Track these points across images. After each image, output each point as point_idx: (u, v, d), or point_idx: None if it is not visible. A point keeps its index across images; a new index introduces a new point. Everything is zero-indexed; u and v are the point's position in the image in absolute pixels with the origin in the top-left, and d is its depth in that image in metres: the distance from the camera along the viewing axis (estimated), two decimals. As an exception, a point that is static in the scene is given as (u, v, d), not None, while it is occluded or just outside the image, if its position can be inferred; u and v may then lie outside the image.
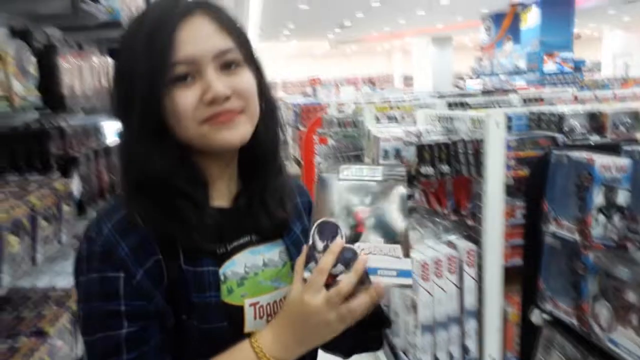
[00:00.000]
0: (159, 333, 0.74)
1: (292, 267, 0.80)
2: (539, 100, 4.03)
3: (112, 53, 2.89)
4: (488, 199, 1.91)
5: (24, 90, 1.43)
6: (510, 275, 1.96)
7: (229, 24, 0.77)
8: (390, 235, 0.72)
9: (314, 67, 22.84)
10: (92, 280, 0.73)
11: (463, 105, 3.60)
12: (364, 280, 0.70)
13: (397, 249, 0.71)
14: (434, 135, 2.21)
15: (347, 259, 0.71)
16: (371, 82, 21.04)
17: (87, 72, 1.97)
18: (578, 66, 10.76)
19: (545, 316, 1.13)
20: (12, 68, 1.39)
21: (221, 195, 0.82)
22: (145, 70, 0.72)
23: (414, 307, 1.97)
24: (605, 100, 3.63)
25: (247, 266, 0.79)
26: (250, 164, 0.83)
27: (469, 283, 1.95)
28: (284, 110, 8.25)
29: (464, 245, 1.97)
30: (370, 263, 0.71)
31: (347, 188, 0.74)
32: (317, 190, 0.76)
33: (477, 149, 1.94)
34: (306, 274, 0.71)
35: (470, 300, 1.95)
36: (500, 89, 6.40)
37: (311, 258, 0.72)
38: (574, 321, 1.04)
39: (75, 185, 1.74)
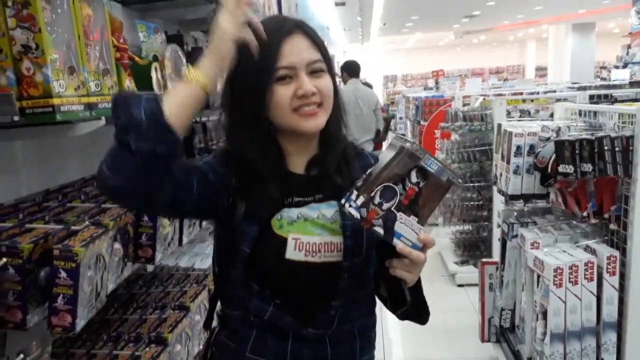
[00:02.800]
0: (197, 182, 0.97)
1: (340, 226, 1.02)
2: (702, 91, 3.53)
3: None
4: (637, 202, 1.73)
5: (176, 89, 1.58)
6: (660, 287, 1.77)
7: (318, 41, 1.03)
8: (420, 215, 0.94)
9: (437, 58, 22.20)
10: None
11: (608, 98, 3.27)
12: (389, 236, 0.93)
13: (421, 229, 0.94)
14: (575, 131, 2.05)
15: (387, 219, 0.93)
16: (498, 72, 19.94)
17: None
18: None
19: None
20: (168, 69, 1.55)
21: (299, 165, 1.06)
22: (257, 74, 0.97)
23: (543, 313, 1.85)
24: None
25: (301, 214, 1.02)
26: (323, 141, 1.07)
27: (610, 292, 1.78)
28: (403, 105, 8.13)
29: (605, 250, 1.81)
30: (398, 229, 0.93)
31: (417, 168, 0.93)
32: (397, 156, 0.93)
33: (625, 147, 1.76)
34: (355, 213, 0.93)
35: (609, 311, 1.79)
36: (653, 79, 5.68)
37: (365, 205, 0.92)
38: None
39: (215, 175, 1.88)
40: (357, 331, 1.07)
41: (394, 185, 0.92)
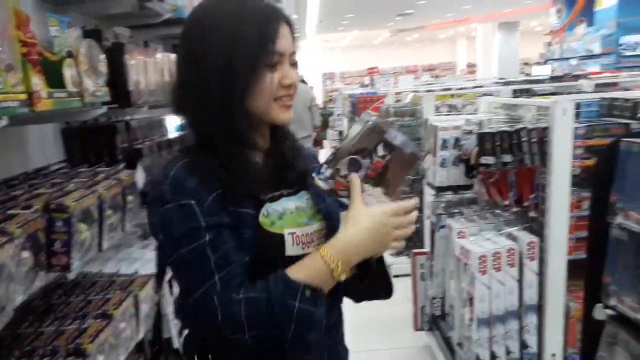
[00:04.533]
0: (233, 238, 0.91)
1: (318, 210, 1.03)
2: (612, 85, 3.79)
3: (175, 48, 2.99)
4: (553, 190, 1.83)
5: (94, 86, 1.51)
6: (573, 269, 1.87)
7: (294, 35, 1.01)
8: (388, 188, 0.96)
9: (372, 57, 22.57)
10: (168, 209, 0.90)
11: (529, 92, 3.44)
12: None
13: (387, 201, 0.95)
14: (496, 123, 2.13)
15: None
16: (431, 70, 20.56)
17: (151, 68, 2.05)
18: (659, 48, 9.95)
19: (609, 312, 1.07)
20: (84, 66, 1.47)
21: (258, 158, 1.03)
22: (252, 51, 0.92)
23: (470, 300, 1.92)
24: (688, 83, 3.36)
25: (284, 207, 1.00)
26: (275, 134, 1.05)
27: (530, 277, 1.87)
28: (340, 102, 8.23)
29: (525, 237, 1.90)
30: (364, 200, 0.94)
31: (383, 142, 0.95)
32: (364, 130, 0.95)
33: (541, 138, 1.86)
34: (322, 184, 0.95)
35: (530, 295, 1.88)
36: (570, 74, 6.05)
37: (332, 177, 0.95)
38: (641, 319, 0.98)
39: (139, 176, 1.82)
40: (339, 315, 1.08)
41: (359, 158, 0.95)
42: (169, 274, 1.93)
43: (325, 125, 6.92)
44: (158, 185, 0.93)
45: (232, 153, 0.95)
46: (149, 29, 2.44)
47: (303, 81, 7.64)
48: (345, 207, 0.96)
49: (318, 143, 5.68)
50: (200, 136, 0.99)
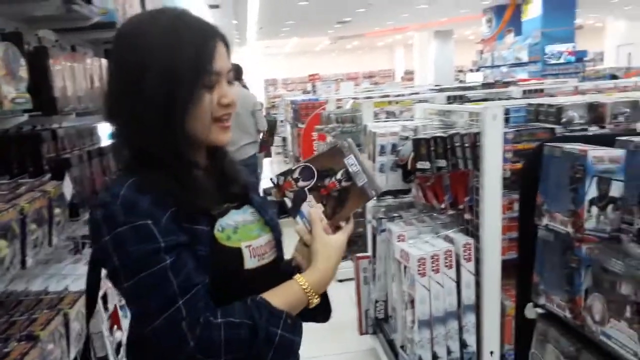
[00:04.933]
0: (192, 258, 0.89)
1: (265, 222, 1.03)
2: (539, 92, 4.00)
3: (107, 53, 2.88)
4: (485, 193, 1.89)
5: (15, 93, 1.42)
6: (508, 269, 1.95)
7: (229, 51, 0.99)
8: (334, 212, 0.98)
9: (314, 63, 22.75)
10: (122, 232, 0.85)
11: (462, 99, 3.57)
12: (293, 213, 0.99)
13: (325, 221, 0.97)
14: (431, 129, 2.19)
15: (298, 195, 0.98)
16: (371, 77, 20.96)
17: (80, 74, 1.96)
18: (580, 57, 10.66)
19: (539, 310, 1.11)
20: (1, 71, 1.38)
21: (200, 172, 1.00)
22: (190, 71, 0.89)
23: (411, 302, 1.95)
24: (606, 90, 3.59)
25: (236, 221, 0.98)
26: (214, 150, 1.04)
27: (467, 277, 1.93)
28: (283, 108, 8.23)
29: (461, 239, 1.95)
30: (304, 209, 0.98)
31: (343, 165, 0.96)
32: (328, 148, 1.05)
33: (473, 142, 1.92)
34: (272, 178, 1.00)
35: (468, 295, 1.93)
36: (501, 81, 6.34)
37: (284, 174, 0.99)
38: (568, 315, 1.02)
39: (67, 188, 1.72)
40: None
41: (313, 167, 0.97)
42: (102, 290, 1.84)
43: (272, 131, 6.87)
44: (105, 207, 0.87)
45: (181, 171, 0.93)
46: (78, 32, 2.34)
47: (244, 86, 7.58)
48: (282, 209, 1.00)
49: (264, 148, 5.63)
50: (135, 150, 0.94)
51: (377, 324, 2.57)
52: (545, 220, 1.06)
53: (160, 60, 0.89)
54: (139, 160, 0.93)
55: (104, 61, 2.33)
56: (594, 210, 0.96)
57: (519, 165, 1.98)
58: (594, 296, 0.96)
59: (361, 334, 2.71)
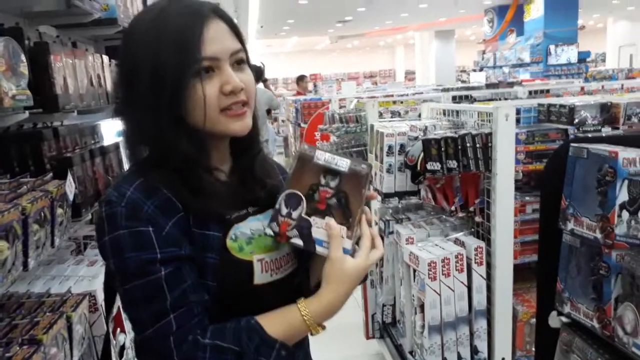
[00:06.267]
0: (192, 273, 0.83)
1: None
2: (545, 92, 3.96)
3: (108, 50, 2.84)
4: (498, 195, 1.85)
5: (15, 90, 1.38)
6: (520, 273, 1.90)
7: (236, 28, 0.90)
8: (346, 216, 0.87)
9: (315, 63, 22.73)
10: (121, 236, 0.81)
11: (468, 99, 3.52)
12: (310, 246, 0.86)
13: (344, 229, 0.86)
14: (440, 129, 2.14)
15: (302, 227, 0.86)
16: (372, 76, 20.93)
17: (81, 70, 1.92)
18: (583, 58, 10.63)
19: (563, 319, 1.07)
20: (1, 67, 1.34)
21: (222, 172, 0.94)
22: (174, 63, 0.81)
23: (421, 307, 1.91)
24: (613, 91, 3.56)
25: (252, 229, 0.91)
26: (239, 144, 0.96)
27: (478, 281, 1.88)
28: (285, 107, 8.18)
29: (472, 242, 1.91)
30: (317, 235, 0.86)
31: (320, 168, 0.87)
32: (295, 162, 0.88)
33: (485, 143, 1.88)
34: (267, 231, 0.87)
35: (479, 299, 1.89)
36: (504, 81, 6.30)
37: (274, 219, 0.87)
38: (596, 324, 0.98)
39: (69, 187, 1.68)
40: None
41: (296, 192, 0.87)
42: (104, 292, 1.80)
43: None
44: (111, 205, 0.83)
45: (189, 171, 0.86)
46: (79, 28, 2.30)
47: (267, 88, 7.58)
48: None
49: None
50: (143, 148, 0.90)
51: (384, 328, 2.52)
52: (570, 225, 1.01)
53: (146, 55, 0.84)
54: (149, 158, 0.89)
55: (105, 58, 2.29)
56: (625, 215, 0.92)
57: (531, 167, 1.94)
58: (624, 306, 0.91)
59: (368, 338, 2.67)
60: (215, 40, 0.84)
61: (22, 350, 1.34)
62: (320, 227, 0.86)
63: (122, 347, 1.95)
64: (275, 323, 0.85)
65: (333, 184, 0.87)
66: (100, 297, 1.75)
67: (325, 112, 4.72)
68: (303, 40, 21.49)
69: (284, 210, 0.86)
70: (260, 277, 0.89)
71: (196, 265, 0.85)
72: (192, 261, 0.84)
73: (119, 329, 1.91)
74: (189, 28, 0.82)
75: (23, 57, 1.46)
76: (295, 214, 0.86)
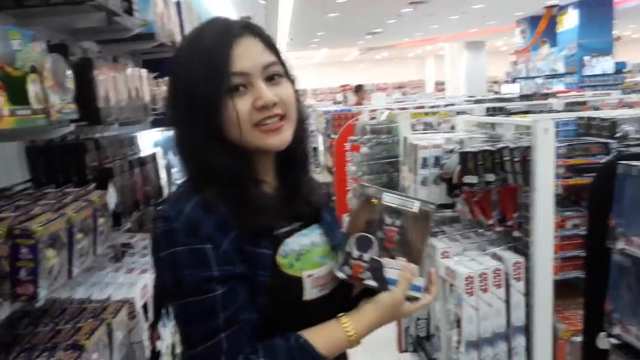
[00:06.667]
0: (244, 292, 0.85)
1: (332, 247, 0.96)
2: (581, 104, 3.87)
3: (145, 64, 2.91)
4: (537, 210, 1.81)
5: (61, 103, 1.42)
6: (560, 289, 1.85)
7: (270, 42, 0.92)
8: (411, 253, 0.89)
9: (343, 74, 22.81)
10: (179, 252, 0.83)
11: (502, 111, 3.48)
12: (384, 286, 0.88)
13: (415, 268, 0.89)
14: (476, 142, 2.12)
15: (374, 270, 0.89)
16: (400, 87, 20.87)
17: (121, 83, 1.97)
18: (619, 69, 10.36)
19: (613, 340, 1.03)
20: (49, 82, 1.39)
21: (268, 188, 0.95)
22: (206, 82, 0.84)
23: (457, 322, 1.88)
24: (653, 103, 3.46)
25: (301, 245, 0.92)
26: (285, 161, 0.97)
27: (517, 297, 1.84)
28: (315, 118, 8.22)
29: (511, 257, 1.87)
30: (389, 275, 0.89)
31: (385, 209, 0.90)
32: (359, 204, 0.91)
33: (524, 157, 1.84)
34: (339, 274, 0.90)
35: (518, 316, 1.85)
36: (538, 92, 6.20)
37: (345, 262, 0.90)
38: (648, 347, 0.94)
39: (111, 197, 1.72)
40: None
41: (366, 234, 0.89)
42: (144, 298, 1.83)
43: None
44: (169, 222, 0.85)
45: (236, 186, 0.88)
46: (118, 44, 2.37)
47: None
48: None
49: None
50: (195, 163, 0.93)
51: (418, 342, 2.49)
52: (620, 244, 0.99)
53: (182, 76, 0.88)
54: (199, 174, 0.91)
55: (144, 71, 2.35)
56: (680, 234, 0.89)
57: (571, 181, 1.89)
58: (680, 328, 0.88)
59: (401, 351, 2.63)
60: (245, 56, 0.86)
61: (66, 355, 1.37)
62: (392, 267, 0.89)
63: (158, 354, 1.98)
64: (322, 340, 0.87)
65: (398, 222, 0.89)
66: (139, 304, 1.78)
67: (356, 123, 4.72)
68: (332, 52, 21.61)
69: (356, 253, 0.89)
70: (309, 292, 0.91)
71: (247, 283, 0.86)
72: (245, 279, 0.86)
73: (155, 336, 1.94)
74: (219, 47, 0.85)
75: (69, 72, 1.51)
76: (366, 257, 0.89)
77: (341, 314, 0.90)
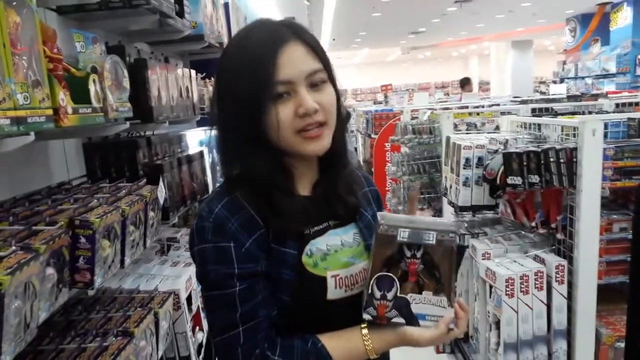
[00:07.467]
0: (265, 289, 0.89)
1: (366, 247, 0.97)
2: (633, 105, 3.73)
3: (193, 64, 3.01)
4: (582, 212, 1.77)
5: (118, 102, 1.50)
6: (605, 293, 1.81)
7: (317, 47, 0.92)
8: (437, 280, 0.87)
9: (385, 74, 22.66)
10: (206, 249, 0.89)
11: (549, 111, 3.40)
12: (413, 322, 0.88)
13: (444, 300, 0.87)
14: (521, 143, 2.09)
15: (400, 307, 0.88)
16: (443, 87, 20.56)
17: (172, 83, 2.06)
18: (676, 68, 9.86)
19: (657, 345, 1.02)
20: (108, 82, 1.47)
21: (306, 186, 0.99)
22: (251, 89, 0.86)
23: (496, 323, 1.86)
24: None
25: (329, 245, 0.94)
26: (326, 160, 0.99)
27: (559, 301, 1.81)
28: (355, 118, 8.22)
29: (553, 260, 1.84)
30: (418, 310, 0.88)
31: (404, 244, 0.88)
32: (375, 243, 0.89)
33: (570, 158, 1.81)
34: (365, 316, 0.89)
35: (559, 319, 1.82)
36: (588, 93, 5.99)
37: (369, 304, 0.88)
38: (694, 353, 0.92)
39: (160, 192, 1.80)
40: None
41: (386, 273, 0.88)
42: (187, 290, 1.90)
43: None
44: (201, 219, 0.91)
45: (270, 189, 0.92)
46: (168, 45, 2.46)
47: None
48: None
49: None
50: (232, 165, 0.97)
51: (456, 343, 2.47)
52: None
53: (229, 81, 0.91)
54: (238, 175, 0.95)
55: (193, 72, 2.44)
56: None
57: (619, 184, 1.85)
58: None
59: (438, 352, 2.62)
60: (289, 64, 0.87)
61: (117, 340, 1.45)
62: (420, 302, 0.87)
63: (200, 345, 2.05)
64: (340, 349, 0.89)
65: (419, 254, 0.87)
66: (183, 295, 1.86)
67: (397, 123, 4.70)
68: (373, 51, 21.51)
69: (378, 294, 0.88)
70: (333, 292, 0.92)
71: (271, 280, 0.90)
72: (267, 277, 0.89)
73: (197, 327, 2.01)
74: (265, 54, 0.87)
75: (125, 72, 1.59)
76: (390, 295, 0.88)
77: (364, 325, 0.91)
